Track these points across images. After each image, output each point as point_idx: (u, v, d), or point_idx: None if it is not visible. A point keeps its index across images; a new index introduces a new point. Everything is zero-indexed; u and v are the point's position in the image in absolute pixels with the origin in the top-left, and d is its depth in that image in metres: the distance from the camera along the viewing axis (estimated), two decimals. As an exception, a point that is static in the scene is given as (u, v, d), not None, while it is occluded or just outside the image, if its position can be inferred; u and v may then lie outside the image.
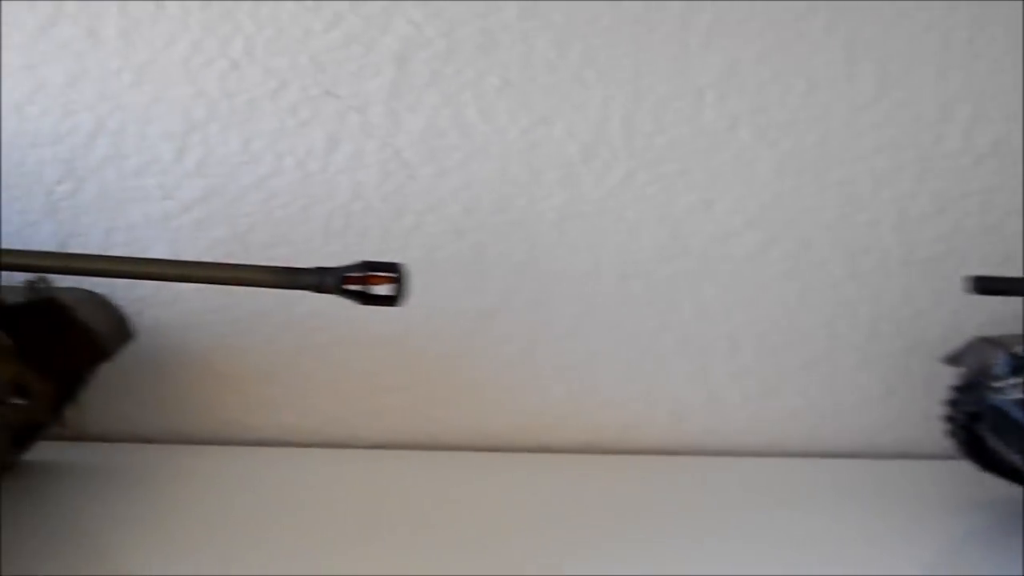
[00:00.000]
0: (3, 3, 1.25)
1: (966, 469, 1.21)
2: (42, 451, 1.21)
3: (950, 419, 1.21)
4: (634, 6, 1.25)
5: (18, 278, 1.28)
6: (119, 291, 1.26)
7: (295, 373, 1.34)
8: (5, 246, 1.14)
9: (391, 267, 0.95)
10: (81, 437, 1.24)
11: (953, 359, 1.20)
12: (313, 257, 1.25)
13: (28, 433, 1.15)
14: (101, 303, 1.22)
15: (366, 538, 1.11)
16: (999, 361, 1.10)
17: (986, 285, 1.04)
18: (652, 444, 1.36)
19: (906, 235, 1.32)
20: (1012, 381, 1.08)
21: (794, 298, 1.33)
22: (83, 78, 1.26)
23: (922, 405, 1.32)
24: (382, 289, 0.95)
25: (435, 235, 1.30)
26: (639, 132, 1.28)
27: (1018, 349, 1.09)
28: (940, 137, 1.30)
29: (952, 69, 1.28)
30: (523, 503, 1.21)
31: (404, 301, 0.95)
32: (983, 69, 1.28)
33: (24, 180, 1.29)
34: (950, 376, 1.21)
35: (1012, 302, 1.21)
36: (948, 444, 1.21)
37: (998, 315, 1.29)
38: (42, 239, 1.30)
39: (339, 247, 1.30)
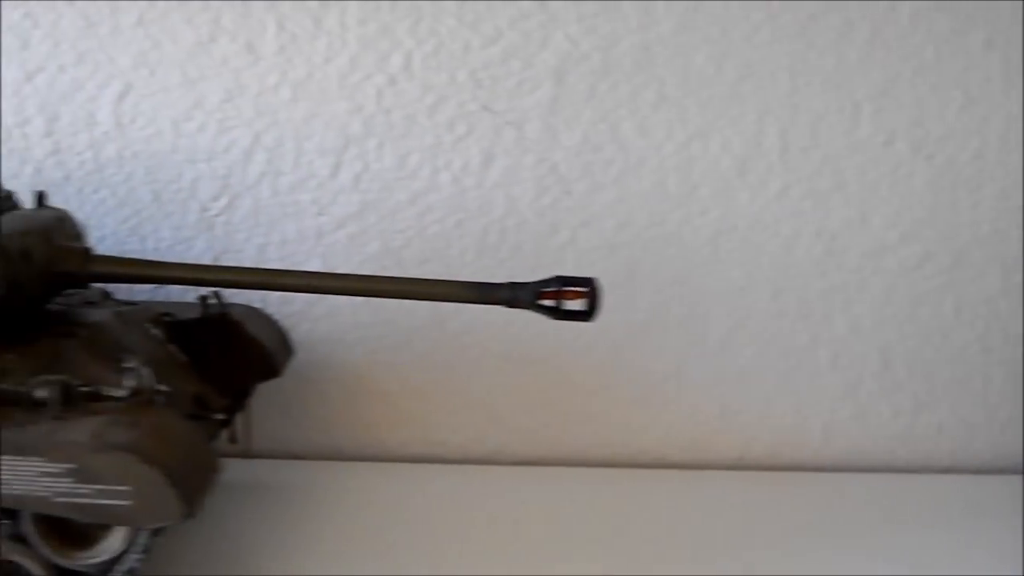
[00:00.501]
0: (161, 19, 1.25)
1: None
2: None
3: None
4: (792, 21, 1.25)
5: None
6: (271, 306, 1.26)
7: (445, 389, 1.34)
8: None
9: (585, 282, 0.95)
10: (245, 454, 1.23)
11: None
12: (466, 272, 1.26)
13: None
14: (266, 319, 1.22)
15: (517, 554, 1.11)
16: None
17: None
18: (803, 460, 1.35)
19: (1062, 250, 1.31)
20: None
21: (948, 313, 1.32)
22: (241, 94, 1.26)
23: (1076, 421, 1.32)
24: (575, 304, 0.95)
25: (588, 250, 1.30)
26: (795, 146, 1.28)
27: None
28: (1097, 151, 1.29)
29: (1111, 83, 1.28)
30: (674, 519, 1.20)
31: (597, 316, 0.95)
32: None
33: (179, 196, 1.29)
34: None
35: None
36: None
37: None
38: (195, 255, 1.30)
39: (492, 262, 1.30)
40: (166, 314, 1.12)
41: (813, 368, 1.34)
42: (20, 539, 0.88)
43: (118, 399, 0.91)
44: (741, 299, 1.32)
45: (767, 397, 1.34)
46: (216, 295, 1.13)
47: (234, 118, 1.27)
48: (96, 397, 0.90)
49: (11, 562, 0.88)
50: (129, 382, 0.91)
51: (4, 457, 0.82)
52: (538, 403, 1.34)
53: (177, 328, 1.12)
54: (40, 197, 1.07)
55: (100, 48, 1.25)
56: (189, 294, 1.26)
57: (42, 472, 0.82)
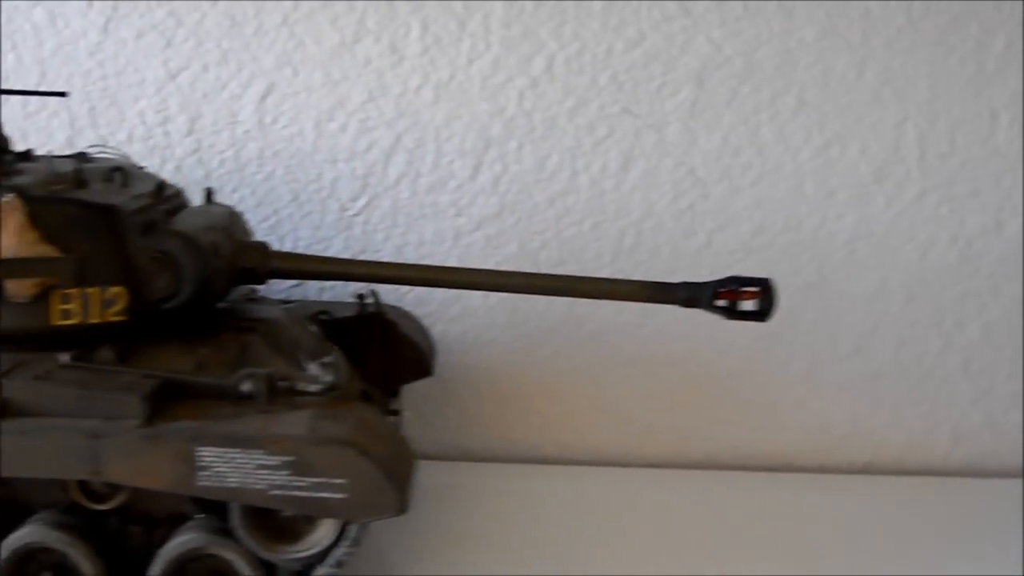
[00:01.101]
0: (306, 19, 1.25)
1: None
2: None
3: None
4: (932, 27, 1.26)
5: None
6: (406, 306, 1.26)
7: (577, 391, 1.34)
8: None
9: (760, 282, 0.95)
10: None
11: None
12: (602, 274, 1.26)
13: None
14: (412, 319, 1.22)
15: (642, 557, 1.11)
16: None
17: None
18: (931, 465, 1.36)
19: None
20: None
21: (1080, 319, 1.33)
22: (383, 95, 1.26)
23: None
24: (749, 304, 0.96)
25: (724, 254, 1.30)
26: (932, 153, 1.28)
27: None
28: None
29: None
30: (803, 523, 1.20)
31: (772, 316, 0.95)
32: None
33: (319, 196, 1.29)
34: None
35: None
36: None
37: None
38: (332, 255, 1.29)
39: (628, 265, 1.30)
40: (323, 312, 1.13)
41: (944, 374, 1.34)
42: (223, 533, 0.88)
43: (314, 393, 0.91)
44: (874, 304, 1.32)
45: (897, 402, 1.35)
46: (373, 294, 1.13)
47: (375, 119, 1.27)
48: (292, 391, 0.90)
49: (213, 556, 0.88)
50: (327, 377, 0.91)
51: (221, 450, 0.82)
52: (670, 405, 1.34)
53: (332, 326, 1.12)
54: (209, 193, 1.08)
55: (244, 48, 1.25)
56: (326, 292, 1.28)
57: (259, 465, 0.82)
